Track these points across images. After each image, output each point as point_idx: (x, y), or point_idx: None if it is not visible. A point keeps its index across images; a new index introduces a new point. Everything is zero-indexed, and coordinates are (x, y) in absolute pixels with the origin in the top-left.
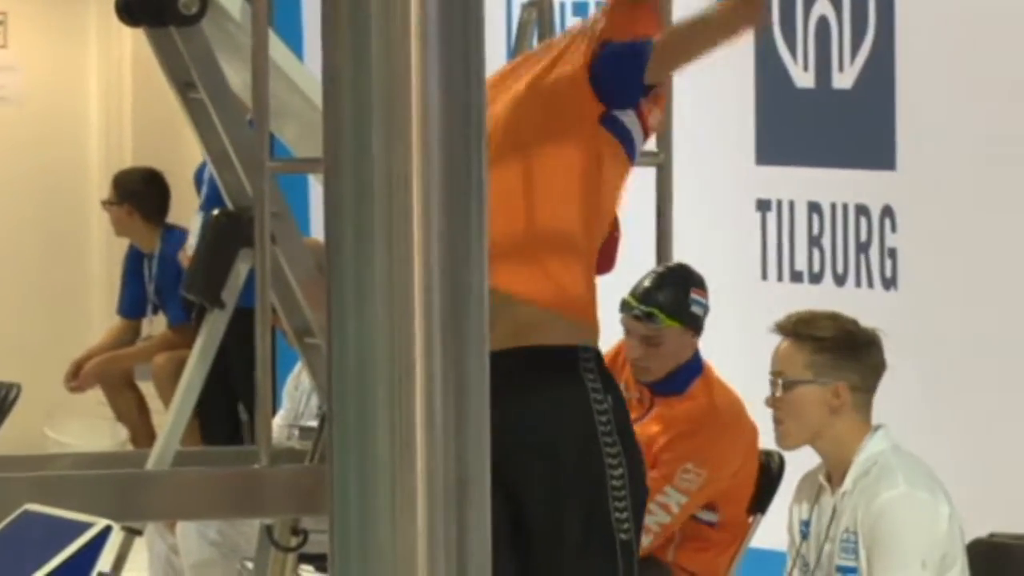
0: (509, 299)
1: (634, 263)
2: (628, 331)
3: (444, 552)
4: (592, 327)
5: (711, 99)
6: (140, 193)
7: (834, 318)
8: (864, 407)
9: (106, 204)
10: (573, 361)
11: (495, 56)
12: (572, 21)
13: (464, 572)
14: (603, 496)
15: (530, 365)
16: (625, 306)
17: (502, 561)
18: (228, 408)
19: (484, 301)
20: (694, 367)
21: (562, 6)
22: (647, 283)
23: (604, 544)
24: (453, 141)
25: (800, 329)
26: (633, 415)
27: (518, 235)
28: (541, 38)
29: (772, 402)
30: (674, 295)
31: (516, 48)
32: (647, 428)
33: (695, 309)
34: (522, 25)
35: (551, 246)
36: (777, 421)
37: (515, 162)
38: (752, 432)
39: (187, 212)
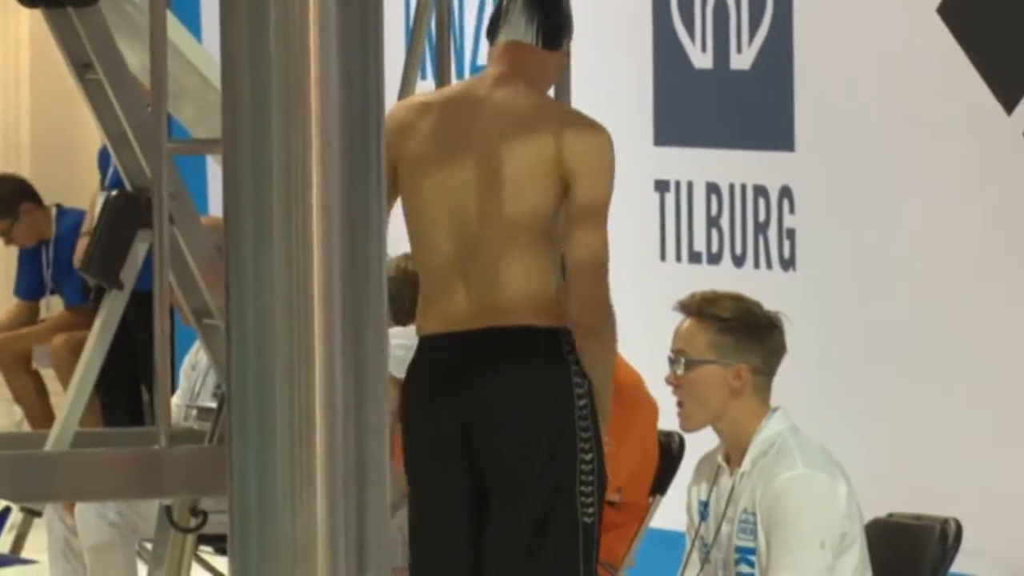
0: (497, 280)
1: None
2: None
3: (343, 532)
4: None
5: (609, 80)
6: (6, 199)
7: (737, 299)
8: (764, 389)
9: None
10: (556, 342)
11: (393, 38)
12: (470, 3)
13: (363, 552)
14: (572, 478)
15: (516, 343)
16: None
17: (460, 531)
18: (130, 390)
19: (383, 281)
20: None
21: None
22: None
23: (567, 524)
24: (352, 121)
25: (704, 309)
26: None
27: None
28: (439, 22)
29: (672, 380)
30: None
31: (414, 30)
32: None
33: None
34: (420, 5)
35: (536, 234)
36: (679, 403)
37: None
38: (652, 410)
39: (88, 193)
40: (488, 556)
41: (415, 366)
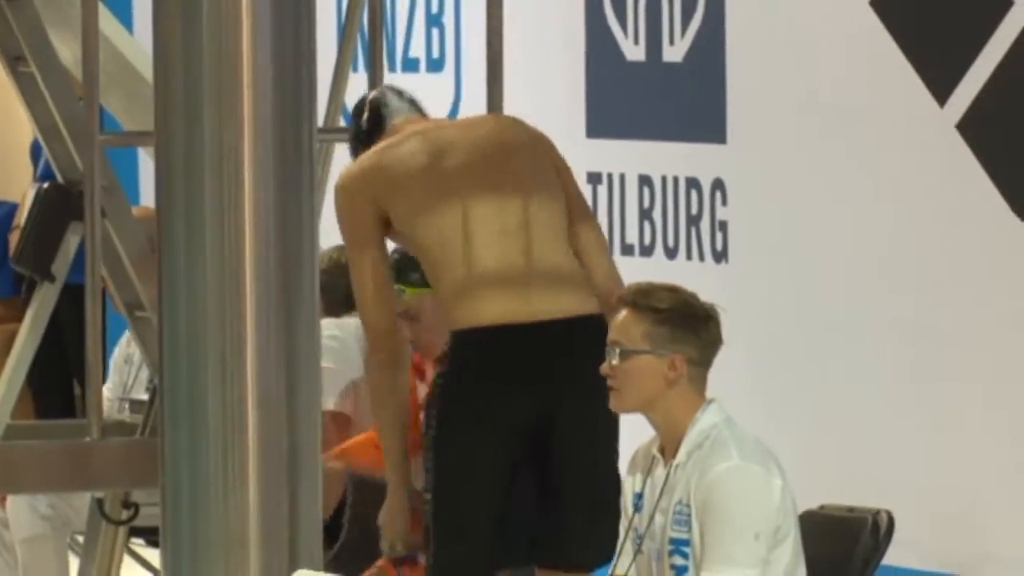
0: (576, 273)
1: None
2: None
3: (276, 524)
4: None
5: (541, 72)
6: None
7: (673, 290)
8: (699, 380)
9: None
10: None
11: (325, 31)
12: (402, 0)
13: (296, 541)
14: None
15: (596, 329)
16: None
17: (504, 526)
18: (62, 382)
19: (315, 273)
20: None
21: None
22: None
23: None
24: (285, 114)
25: (639, 300)
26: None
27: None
28: (371, 16)
29: (607, 371)
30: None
31: (346, 24)
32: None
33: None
34: (352, 2)
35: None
36: (611, 387)
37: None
38: None
39: (21, 186)
40: (558, 543)
41: (483, 357)
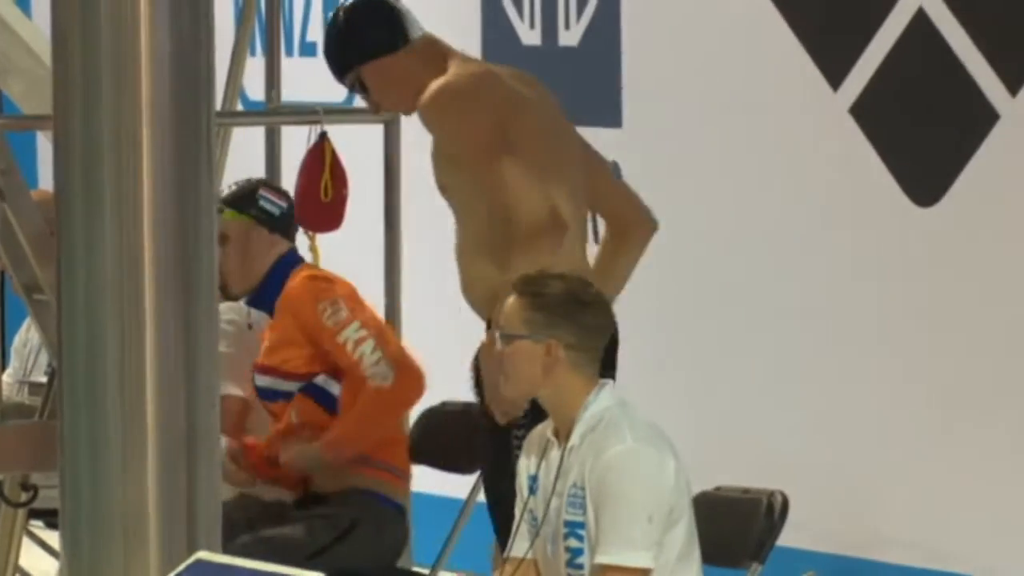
0: None
1: (366, 220)
2: None
3: (175, 505)
4: None
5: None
6: None
7: (563, 278)
8: (585, 365)
9: None
10: None
11: (223, 15)
12: None
13: (194, 526)
14: None
15: None
16: None
17: None
18: None
19: (213, 257)
20: (285, 265)
21: None
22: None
23: None
24: (182, 98)
25: (524, 287)
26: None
27: None
28: (268, 1)
29: (496, 355)
30: (239, 193)
31: (244, 8)
32: (267, 342)
33: (264, 204)
34: None
35: None
36: (502, 373)
37: None
38: (345, 282)
39: None
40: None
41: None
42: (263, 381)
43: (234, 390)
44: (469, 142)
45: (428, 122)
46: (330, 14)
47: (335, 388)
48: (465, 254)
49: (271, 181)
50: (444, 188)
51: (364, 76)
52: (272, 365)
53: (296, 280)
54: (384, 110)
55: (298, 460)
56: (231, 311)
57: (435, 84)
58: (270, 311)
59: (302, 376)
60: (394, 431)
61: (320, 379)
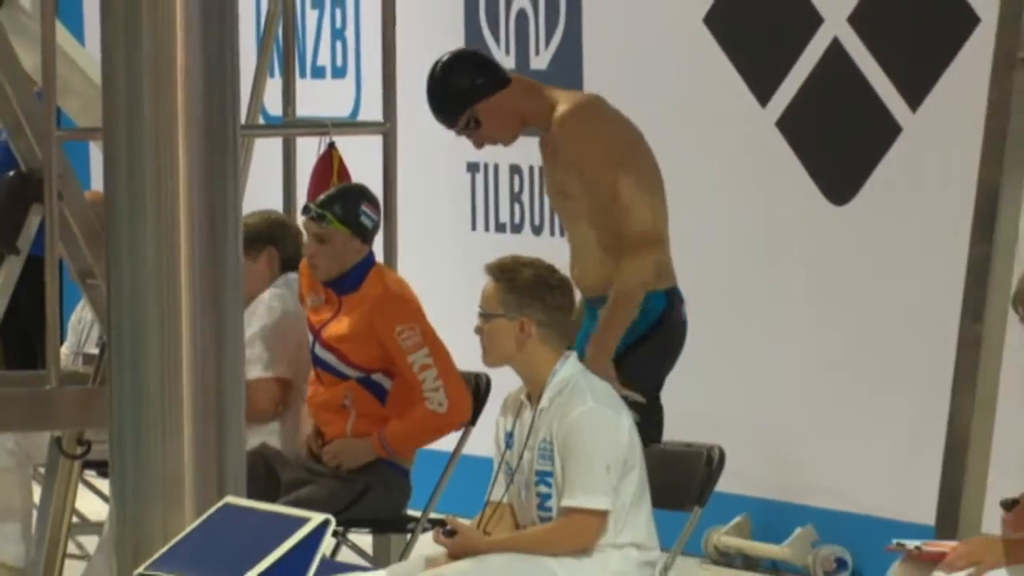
0: None
1: None
2: (306, 231)
3: (207, 458)
4: None
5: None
6: None
7: (530, 264)
8: (553, 339)
9: None
10: None
11: (246, 41)
12: (311, 13)
13: (223, 478)
14: None
15: None
16: (305, 210)
17: None
18: (26, 340)
19: (239, 245)
20: (365, 265)
21: (303, 1)
22: (327, 194)
23: None
24: (212, 111)
25: (499, 272)
26: (324, 316)
27: None
28: (285, 30)
29: (476, 330)
30: (346, 205)
31: (264, 35)
32: (338, 327)
33: (364, 220)
34: (269, 15)
35: None
36: (481, 345)
37: None
38: (424, 314)
39: None
40: None
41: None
42: (325, 355)
43: (267, 373)
44: (598, 156)
45: (565, 137)
46: (337, 42)
47: (388, 383)
48: (582, 252)
49: (368, 191)
50: (566, 195)
51: (479, 114)
52: (339, 349)
53: (381, 289)
54: (492, 141)
55: (347, 459)
56: (276, 298)
57: (569, 106)
58: (345, 291)
59: (362, 368)
60: None
61: (377, 376)
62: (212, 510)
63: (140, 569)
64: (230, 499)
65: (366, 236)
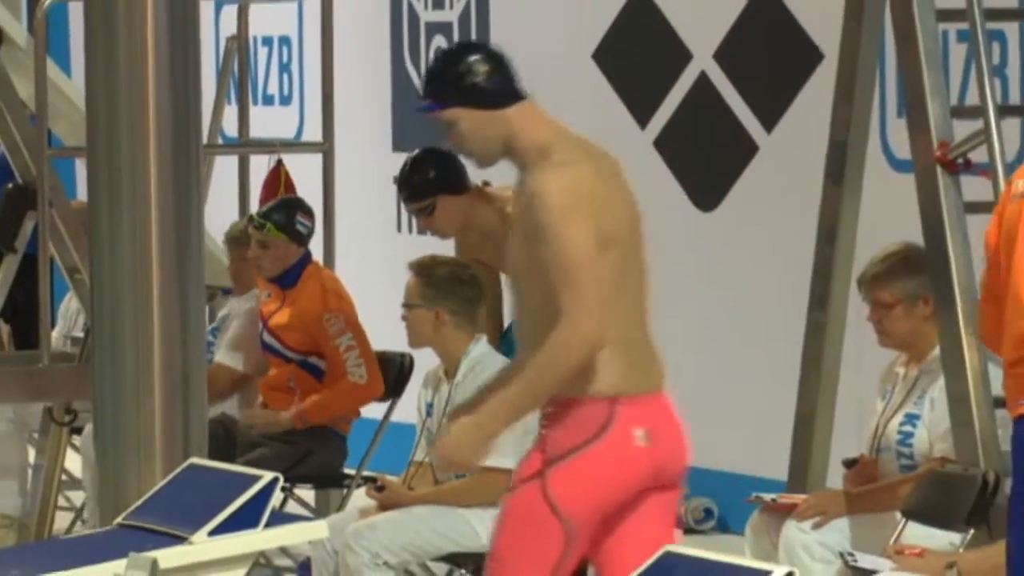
0: None
1: None
2: (252, 238)
3: (174, 425)
4: None
5: (360, 103)
6: None
7: (448, 262)
8: (465, 325)
9: None
10: None
11: (207, 73)
12: (262, 51)
13: (188, 442)
14: None
15: None
16: (250, 220)
17: None
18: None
19: (201, 249)
20: (303, 264)
21: (255, 41)
22: (268, 206)
23: None
24: (178, 134)
25: (417, 269)
26: (272, 308)
27: None
28: (240, 63)
29: (403, 318)
30: (283, 215)
31: (222, 68)
32: (280, 317)
33: (299, 227)
34: (227, 51)
35: None
36: (406, 330)
37: None
38: (350, 303)
39: None
40: None
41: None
42: (270, 340)
43: (232, 362)
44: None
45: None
46: (284, 74)
47: (323, 364)
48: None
49: (303, 202)
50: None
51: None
52: (280, 336)
53: (315, 284)
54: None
55: (267, 427)
56: (252, 299)
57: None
58: (286, 286)
59: (300, 352)
60: None
61: (313, 359)
62: (179, 469)
63: (119, 519)
64: (194, 460)
65: (302, 240)
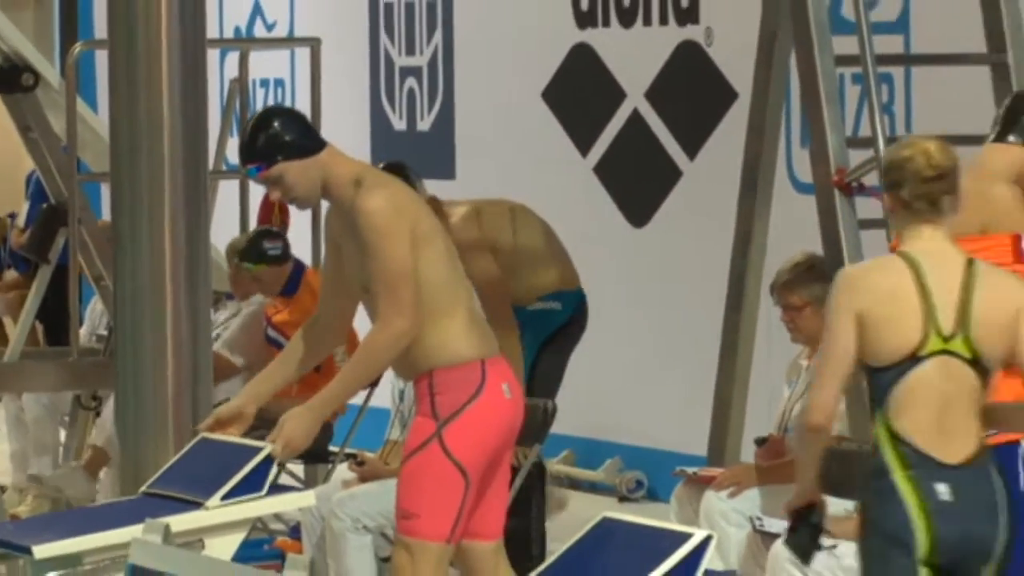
0: None
1: (302, 236)
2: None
3: (185, 409)
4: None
5: (343, 133)
6: None
7: None
8: None
9: None
10: None
11: (213, 110)
12: (260, 91)
13: (196, 412)
14: None
15: None
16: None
17: None
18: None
19: (208, 259)
20: (297, 274)
21: (254, 83)
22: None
23: None
24: (189, 162)
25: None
26: (275, 310)
27: None
28: (242, 103)
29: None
30: (253, 251)
31: (226, 106)
32: (282, 316)
33: (271, 252)
34: (230, 92)
35: None
36: None
37: None
38: None
39: (11, 201)
40: None
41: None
42: (275, 335)
43: (234, 357)
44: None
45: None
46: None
47: None
48: None
49: (269, 230)
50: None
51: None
52: (284, 331)
53: (314, 289)
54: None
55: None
56: (255, 303)
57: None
58: (288, 294)
59: None
60: None
61: None
62: (192, 443)
63: (143, 488)
64: (206, 435)
65: (281, 260)
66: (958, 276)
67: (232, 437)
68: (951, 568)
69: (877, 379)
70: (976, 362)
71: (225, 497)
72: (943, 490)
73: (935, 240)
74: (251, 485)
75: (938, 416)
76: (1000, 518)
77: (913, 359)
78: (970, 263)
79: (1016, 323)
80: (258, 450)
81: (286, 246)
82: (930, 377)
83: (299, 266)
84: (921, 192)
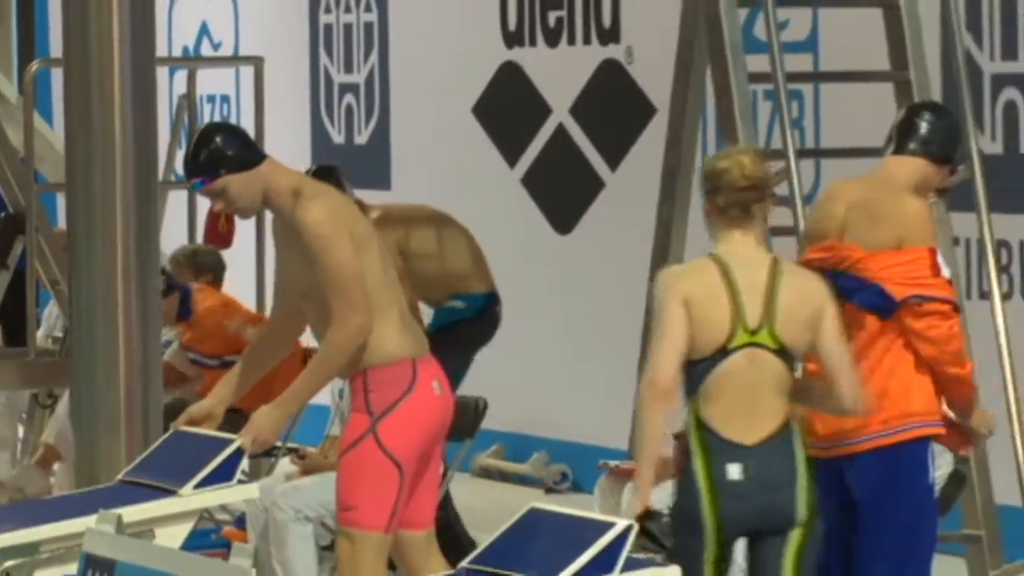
0: None
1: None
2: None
3: (136, 406)
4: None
5: (285, 145)
6: None
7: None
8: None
9: None
10: None
11: (162, 123)
12: (207, 106)
13: (148, 422)
14: None
15: None
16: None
17: None
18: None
19: (158, 268)
20: (186, 299)
21: (201, 99)
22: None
23: None
24: (140, 173)
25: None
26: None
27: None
28: (190, 116)
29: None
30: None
31: (175, 120)
32: (191, 335)
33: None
34: (179, 107)
35: None
36: None
37: None
38: (238, 306)
39: None
40: None
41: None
42: (193, 355)
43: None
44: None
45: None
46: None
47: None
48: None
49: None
50: None
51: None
52: (198, 348)
53: (208, 307)
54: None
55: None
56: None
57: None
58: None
59: (217, 356)
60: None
61: (230, 357)
62: (166, 436)
63: (120, 476)
64: (181, 428)
65: (164, 295)
66: (764, 275)
67: (204, 430)
68: (754, 536)
69: (692, 371)
70: (781, 351)
71: (198, 486)
72: (734, 470)
73: (744, 243)
74: (222, 475)
75: (745, 401)
76: (798, 485)
77: (723, 352)
78: (775, 263)
79: (818, 319)
80: (229, 442)
81: (168, 279)
82: (738, 367)
83: (186, 291)
84: (734, 200)
